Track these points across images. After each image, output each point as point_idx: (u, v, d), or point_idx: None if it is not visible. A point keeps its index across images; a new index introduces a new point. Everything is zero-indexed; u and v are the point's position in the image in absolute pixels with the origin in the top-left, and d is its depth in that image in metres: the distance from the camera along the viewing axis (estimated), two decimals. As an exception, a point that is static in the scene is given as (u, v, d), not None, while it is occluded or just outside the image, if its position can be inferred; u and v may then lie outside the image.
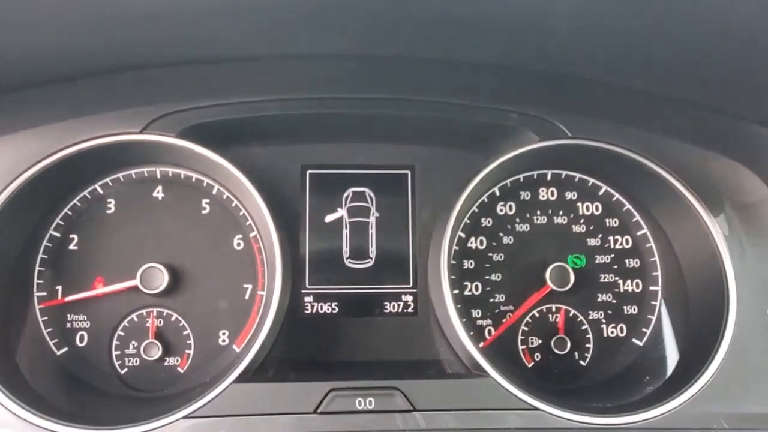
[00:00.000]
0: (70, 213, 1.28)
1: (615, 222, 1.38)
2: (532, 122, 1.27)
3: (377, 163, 1.37)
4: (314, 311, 1.31)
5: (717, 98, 1.26)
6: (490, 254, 1.35)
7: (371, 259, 1.34)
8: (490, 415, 1.07)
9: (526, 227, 1.36)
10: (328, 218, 1.35)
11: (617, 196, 1.37)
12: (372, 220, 1.35)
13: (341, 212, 1.35)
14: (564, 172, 1.38)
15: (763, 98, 1.20)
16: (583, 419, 1.07)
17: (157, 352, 1.24)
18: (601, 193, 1.37)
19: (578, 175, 1.37)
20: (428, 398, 1.08)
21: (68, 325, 1.25)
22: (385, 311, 1.32)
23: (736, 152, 1.28)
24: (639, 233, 1.36)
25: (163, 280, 1.23)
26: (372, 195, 1.36)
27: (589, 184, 1.37)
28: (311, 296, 1.32)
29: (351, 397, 1.07)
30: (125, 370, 1.25)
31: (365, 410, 1.06)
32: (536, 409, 1.09)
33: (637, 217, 1.36)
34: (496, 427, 1.06)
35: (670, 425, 1.09)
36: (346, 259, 1.34)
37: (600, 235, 1.37)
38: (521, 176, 1.36)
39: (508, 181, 1.37)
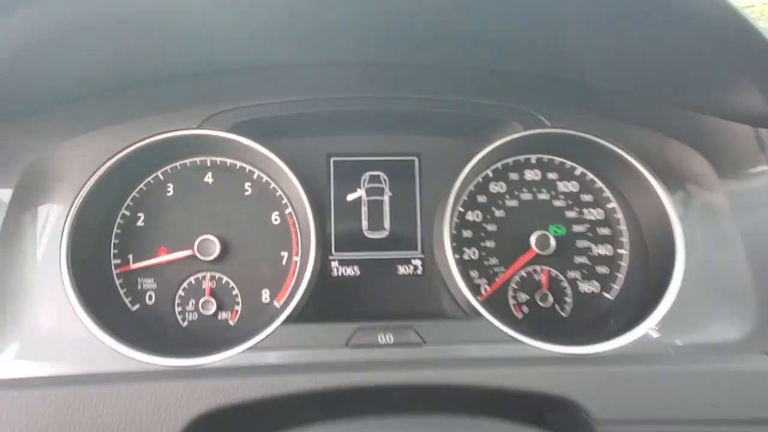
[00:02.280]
0: (137, 195, 1.39)
1: (589, 197, 1.46)
2: (517, 115, 1.35)
3: (390, 151, 1.45)
4: (340, 274, 1.42)
5: (677, 94, 1.26)
6: (485, 225, 1.44)
7: (386, 230, 1.44)
8: (485, 347, 1.19)
9: (515, 203, 1.45)
10: (350, 197, 1.45)
11: (591, 175, 1.45)
12: (386, 198, 1.45)
13: (360, 192, 1.45)
14: (546, 156, 1.45)
15: (718, 93, 1.19)
16: (558, 349, 1.19)
17: (212, 307, 1.36)
18: (577, 173, 1.46)
19: (558, 159, 1.46)
20: (436, 334, 1.19)
21: (139, 286, 1.37)
22: (399, 273, 1.42)
23: (692, 140, 1.34)
24: (609, 206, 1.45)
25: (215, 249, 1.35)
26: (386, 177, 1.45)
27: (567, 166, 1.46)
28: (337, 262, 1.42)
29: (374, 333, 1.18)
30: (186, 323, 1.37)
31: (386, 344, 1.18)
32: (522, 342, 1.20)
33: (608, 193, 1.44)
34: (490, 356, 1.17)
35: (632, 352, 1.19)
36: (365, 230, 1.44)
37: (576, 209, 1.45)
38: (510, 160, 1.45)
39: (499, 164, 1.45)
